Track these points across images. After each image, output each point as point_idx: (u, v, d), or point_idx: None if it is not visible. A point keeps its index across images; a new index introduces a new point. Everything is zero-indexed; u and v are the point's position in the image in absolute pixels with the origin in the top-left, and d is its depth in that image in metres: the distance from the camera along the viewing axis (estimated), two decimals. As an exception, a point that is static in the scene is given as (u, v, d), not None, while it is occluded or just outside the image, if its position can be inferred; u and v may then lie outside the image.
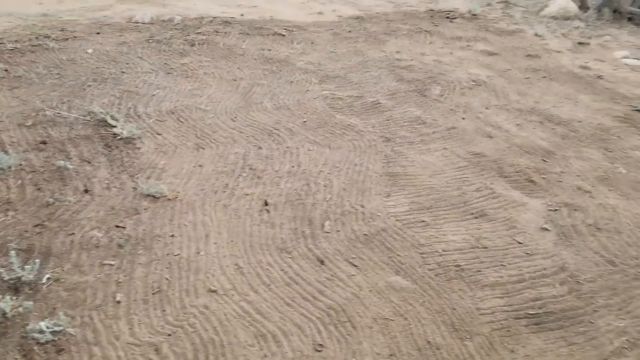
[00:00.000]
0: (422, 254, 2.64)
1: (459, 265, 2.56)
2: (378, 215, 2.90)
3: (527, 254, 2.66)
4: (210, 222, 2.70)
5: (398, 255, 2.62)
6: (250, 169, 3.15)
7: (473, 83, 4.68)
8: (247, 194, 2.92)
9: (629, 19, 6.21)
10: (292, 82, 4.38)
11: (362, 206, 2.95)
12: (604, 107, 4.29)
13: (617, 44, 5.66)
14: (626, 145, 3.73)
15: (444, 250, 2.66)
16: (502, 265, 2.58)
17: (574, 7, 6.43)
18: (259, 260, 2.48)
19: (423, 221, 2.88)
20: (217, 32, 5.30)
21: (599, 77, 4.86)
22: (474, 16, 6.46)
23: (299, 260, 2.50)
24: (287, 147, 3.41)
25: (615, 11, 6.30)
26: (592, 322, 2.26)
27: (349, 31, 5.72)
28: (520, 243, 2.74)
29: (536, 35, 5.86)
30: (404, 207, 2.99)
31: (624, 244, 2.75)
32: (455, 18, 6.41)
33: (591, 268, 2.57)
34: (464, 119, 4.05)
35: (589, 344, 2.16)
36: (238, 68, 4.53)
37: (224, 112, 3.78)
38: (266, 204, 2.85)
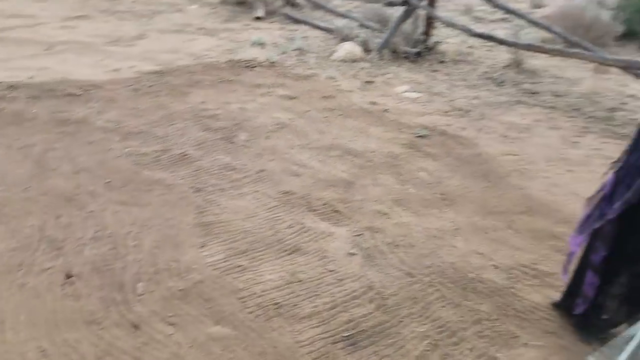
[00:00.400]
0: (241, 298, 2.66)
1: (277, 303, 2.64)
2: (194, 267, 2.87)
3: (339, 279, 2.84)
4: (5, 307, 2.43)
5: (217, 304, 2.61)
6: (49, 240, 2.92)
7: (277, 126, 4.91)
8: (46, 269, 2.70)
9: (405, 58, 7.07)
10: (91, 142, 4.19)
11: (177, 261, 2.90)
12: (392, 136, 4.79)
13: (398, 80, 6.39)
14: (413, 168, 4.20)
15: (262, 291, 2.72)
16: (316, 295, 2.71)
17: (359, 51, 7.13)
18: (65, 339, 2.29)
19: (240, 266, 2.92)
20: (1, 98, 4.87)
21: (386, 110, 5.43)
22: (272, 64, 6.81)
23: (111, 330, 2.36)
24: (90, 212, 3.23)
25: (393, 52, 7.12)
26: (398, 332, 2.47)
27: (150, 86, 5.66)
28: (331, 271, 2.91)
29: (329, 78, 6.37)
30: (220, 255, 3.00)
31: (418, 256, 3.07)
32: (255, 67, 6.70)
33: (393, 282, 2.82)
34: (271, 161, 4.23)
35: (397, 353, 2.36)
36: (28, 134, 4.20)
37: (14, 183, 3.47)
38: (69, 276, 2.66)
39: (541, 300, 2.72)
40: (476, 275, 2.90)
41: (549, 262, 3.04)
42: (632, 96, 5.87)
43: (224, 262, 2.95)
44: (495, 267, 3.00)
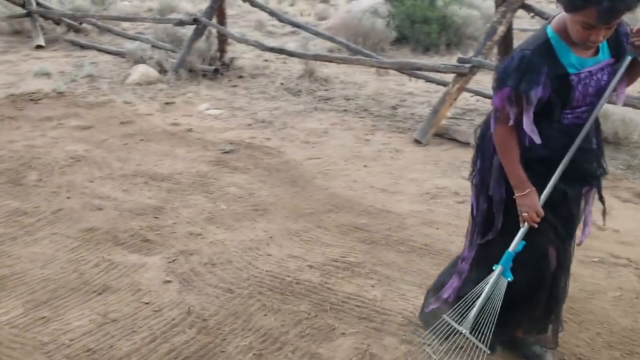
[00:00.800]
0: (47, 353, 2.43)
1: (90, 349, 2.45)
2: (-13, 330, 2.54)
3: (155, 311, 2.73)
4: None
5: (19, 365, 2.34)
6: None
7: (72, 160, 4.57)
8: None
9: (204, 76, 7.06)
10: None
11: (-36, 327, 2.54)
12: (198, 155, 4.75)
13: (198, 99, 6.35)
14: (222, 184, 4.21)
15: (70, 340, 2.51)
16: (133, 331, 2.57)
17: (154, 72, 6.94)
18: None
19: (43, 317, 2.67)
20: None
21: (189, 130, 5.37)
22: (61, 94, 6.33)
23: None
24: None
25: (190, 71, 7.06)
26: (222, 351, 2.46)
27: None
28: (147, 303, 2.79)
29: (126, 102, 6.10)
30: (17, 310, 2.71)
31: (236, 271, 3.09)
32: (40, 99, 6.16)
33: (213, 302, 2.80)
34: (69, 198, 3.92)
35: (224, 372, 2.34)
36: None
37: None
38: None
39: (352, 289, 2.91)
40: (293, 278, 3.01)
41: (356, 253, 3.27)
42: (409, 94, 6.59)
43: (24, 317, 2.66)
44: (310, 266, 3.14)
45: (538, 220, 2.02)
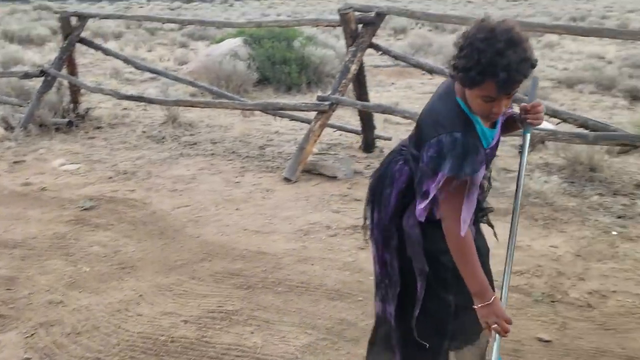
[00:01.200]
0: None
1: None
2: None
3: (12, 396, 2.44)
4: None
5: None
6: None
7: None
8: None
9: (57, 129, 6.61)
10: None
11: None
12: (55, 216, 4.40)
13: (52, 154, 5.92)
14: (84, 244, 3.93)
15: None
16: None
17: (-1, 130, 6.40)
18: None
19: None
20: None
21: (43, 189, 4.97)
22: None
23: None
24: None
25: (41, 125, 6.59)
26: None
27: None
28: (1, 389, 2.49)
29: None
30: None
31: (104, 337, 2.87)
32: None
33: (80, 376, 2.56)
34: None
35: None
36: None
37: None
38: None
39: (231, 339, 2.82)
40: (167, 337, 2.85)
41: (233, 300, 3.19)
42: (276, 133, 6.69)
43: None
44: (185, 321, 3.00)
45: (509, 329, 1.80)
